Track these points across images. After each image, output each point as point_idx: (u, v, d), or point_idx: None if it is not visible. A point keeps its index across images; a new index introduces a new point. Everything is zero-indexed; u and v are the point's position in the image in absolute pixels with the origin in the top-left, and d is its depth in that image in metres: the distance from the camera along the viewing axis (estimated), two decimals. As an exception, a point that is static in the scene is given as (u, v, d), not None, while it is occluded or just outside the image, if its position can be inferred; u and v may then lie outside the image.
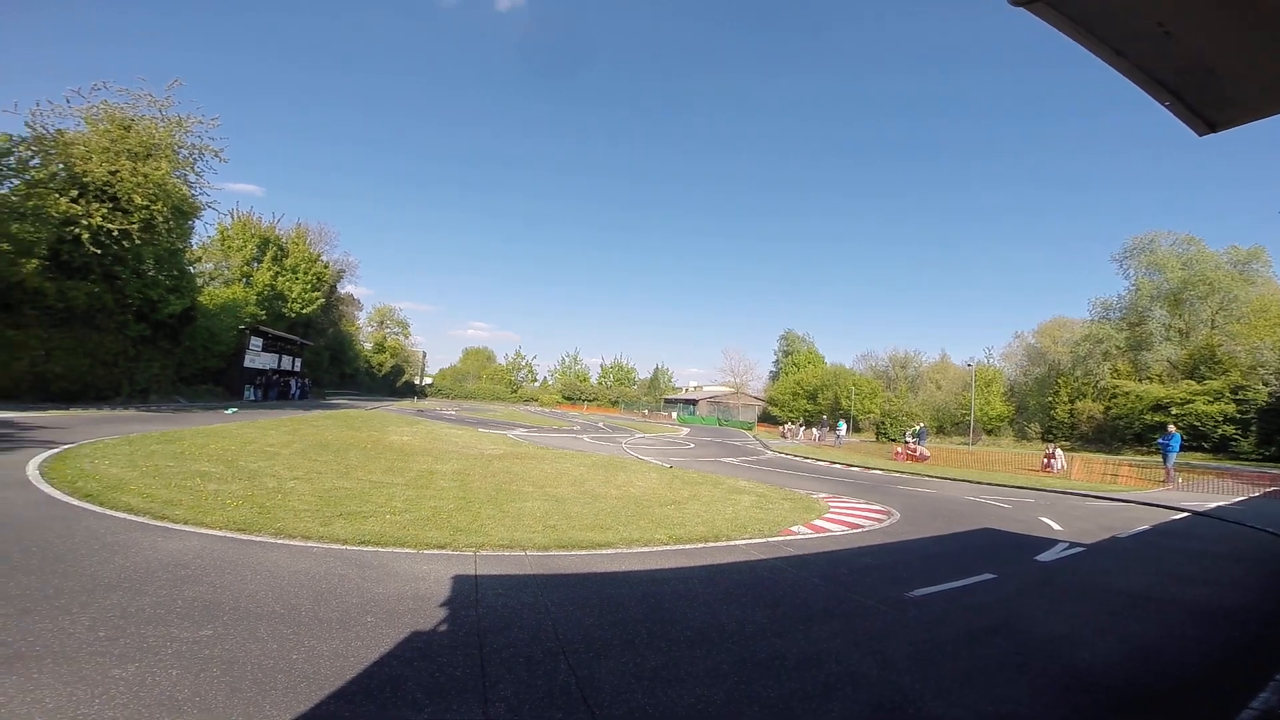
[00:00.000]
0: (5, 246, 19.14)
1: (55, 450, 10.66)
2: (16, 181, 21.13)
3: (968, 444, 43.92)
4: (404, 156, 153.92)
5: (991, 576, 7.22)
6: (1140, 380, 45.36)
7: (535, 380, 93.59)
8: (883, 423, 49.76)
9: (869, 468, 22.88)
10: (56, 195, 21.15)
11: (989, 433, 55.15)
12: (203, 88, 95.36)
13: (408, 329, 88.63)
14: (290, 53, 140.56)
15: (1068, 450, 31.46)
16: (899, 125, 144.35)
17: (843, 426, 41.05)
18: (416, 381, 79.16)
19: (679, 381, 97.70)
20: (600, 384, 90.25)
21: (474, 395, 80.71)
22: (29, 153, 21.30)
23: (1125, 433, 42.34)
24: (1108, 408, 45.36)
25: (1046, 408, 51.64)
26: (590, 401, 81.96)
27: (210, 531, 6.48)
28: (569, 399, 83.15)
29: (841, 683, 3.97)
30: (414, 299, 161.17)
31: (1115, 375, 47.13)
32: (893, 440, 41.06)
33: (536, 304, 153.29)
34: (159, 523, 6.61)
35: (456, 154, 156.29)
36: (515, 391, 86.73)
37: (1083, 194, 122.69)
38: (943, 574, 7.17)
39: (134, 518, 6.71)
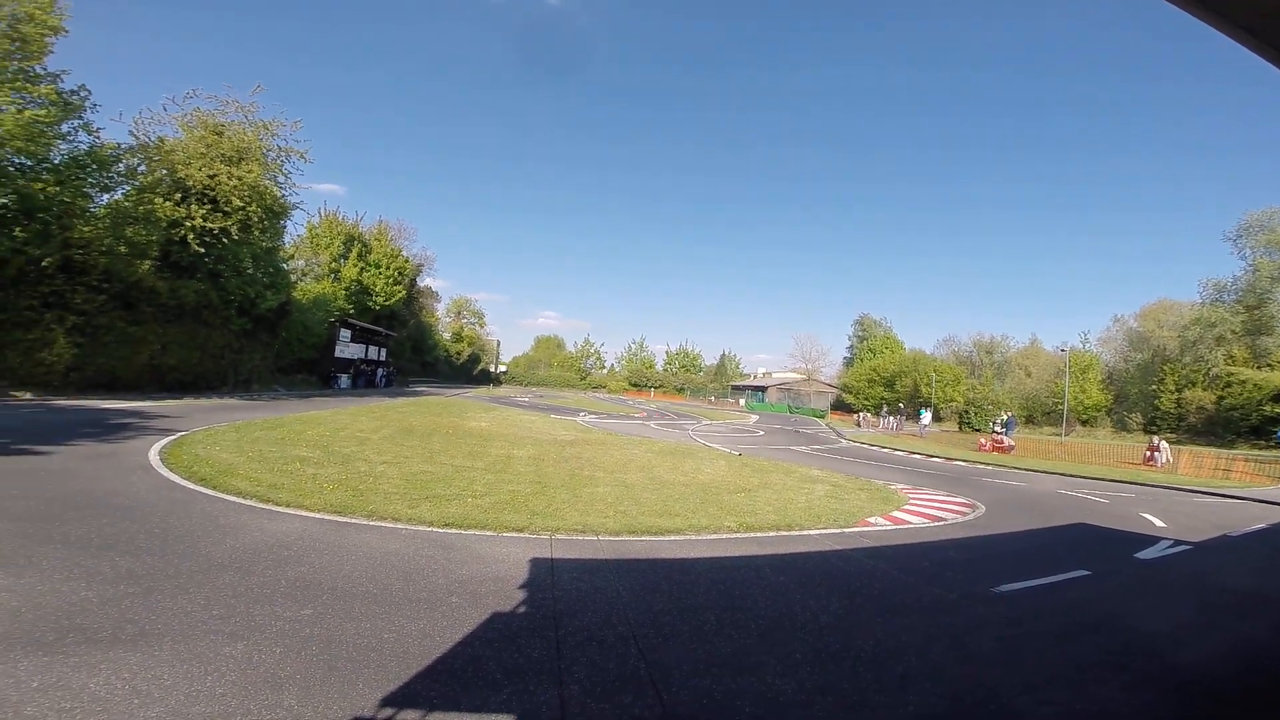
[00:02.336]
0: (123, 249, 21.00)
1: (172, 437, 11.64)
2: (127, 188, 23.06)
3: (1060, 435, 41.31)
4: (474, 154, 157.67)
5: (1086, 573, 6.90)
6: (1259, 367, 41.39)
7: (603, 367, 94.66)
8: (966, 412, 47.38)
9: (951, 459, 22.02)
10: (162, 199, 23.02)
11: (1084, 423, 51.91)
12: (280, 91, 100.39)
13: (483, 319, 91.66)
14: (361, 56, 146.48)
15: (1174, 443, 29.31)
16: (986, 105, 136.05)
17: (926, 415, 39.43)
18: (492, 369, 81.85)
19: (747, 368, 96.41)
20: (666, 370, 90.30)
21: (545, 382, 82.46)
22: (135, 160, 23.18)
23: (1240, 424, 38.86)
24: (1221, 397, 41.74)
25: (1150, 397, 48.13)
26: (656, 388, 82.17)
27: (310, 514, 6.94)
28: (635, 385, 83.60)
29: (919, 676, 3.87)
30: (487, 289, 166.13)
31: (1230, 362, 43.29)
32: (977, 430, 39.18)
33: (604, 292, 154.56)
34: (265, 505, 7.13)
35: (521, 149, 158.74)
36: (584, 378, 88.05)
37: (1187, 169, 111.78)
38: (1032, 569, 6.88)
39: (243, 501, 7.26)
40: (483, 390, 56.56)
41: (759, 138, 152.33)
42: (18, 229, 18.03)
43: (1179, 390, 45.55)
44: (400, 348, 55.90)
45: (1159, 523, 10.75)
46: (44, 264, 18.34)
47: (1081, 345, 60.61)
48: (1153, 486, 16.58)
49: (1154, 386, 47.91)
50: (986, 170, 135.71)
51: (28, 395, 17.74)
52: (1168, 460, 22.56)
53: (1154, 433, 37.08)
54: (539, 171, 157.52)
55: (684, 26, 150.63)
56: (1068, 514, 11.24)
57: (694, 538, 7.43)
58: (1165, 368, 47.51)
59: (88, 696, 2.89)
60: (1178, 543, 8.94)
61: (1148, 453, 23.68)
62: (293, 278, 36.02)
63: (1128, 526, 10.26)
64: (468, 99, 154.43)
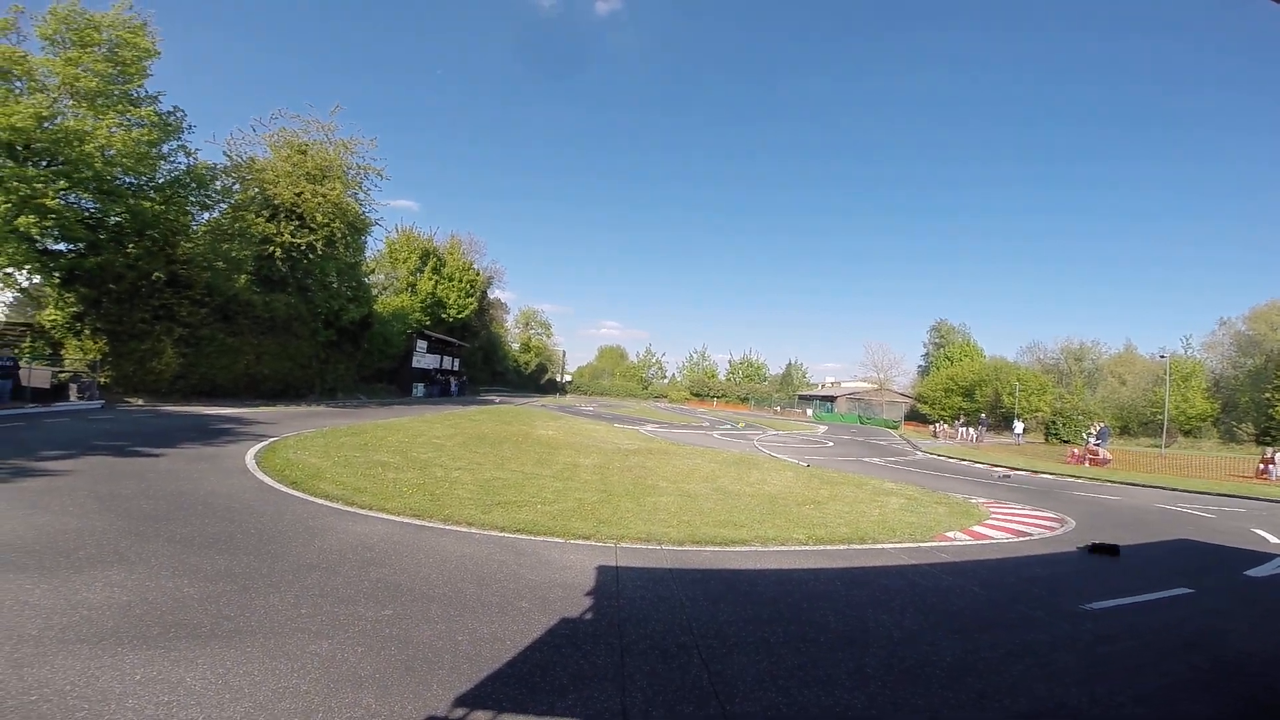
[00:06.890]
0: (221, 265, 22.58)
1: (266, 442, 12.39)
2: (224, 206, 24.73)
3: (1159, 446, 38.30)
4: (540, 168, 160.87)
5: (1187, 591, 6.43)
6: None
7: (664, 377, 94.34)
8: (1053, 422, 44.54)
9: (1037, 471, 20.77)
10: (254, 216, 24.60)
11: (1186, 434, 47.96)
12: (353, 109, 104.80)
13: (550, 330, 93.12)
14: (428, 73, 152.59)
15: (1291, 455, 26.58)
16: (1074, 112, 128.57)
17: (1019, 425, 37.62)
18: (558, 379, 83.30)
19: (814, 377, 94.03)
20: (728, 380, 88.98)
21: (608, 392, 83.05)
22: (230, 179, 24.84)
23: (1372, 435, 34.90)
24: (1347, 405, 37.66)
25: (1263, 405, 43.90)
26: (719, 398, 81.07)
27: (391, 517, 7.23)
28: (697, 395, 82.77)
29: (998, 693, 3.70)
30: (553, 300, 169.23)
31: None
32: (1065, 442, 36.79)
33: (665, 302, 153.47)
34: (349, 508, 7.47)
35: (583, 162, 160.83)
36: (646, 388, 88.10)
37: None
38: (1125, 586, 6.47)
39: (330, 504, 7.64)
40: (549, 399, 57.55)
41: (829, 149, 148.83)
42: (130, 245, 19.70)
43: (1297, 398, 41.51)
44: (472, 357, 57.73)
45: (1274, 539, 9.93)
46: (154, 278, 19.95)
47: (1183, 351, 56.26)
48: (1268, 501, 15.30)
49: (1268, 394, 43.66)
50: (1071, 173, 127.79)
51: (139, 401, 19.34)
52: (1286, 472, 20.67)
53: (1268, 444, 33.84)
54: (602, 184, 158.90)
55: (744, 40, 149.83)
56: (1169, 529, 10.49)
57: (760, 549, 7.30)
58: (1280, 374, 43.42)
59: (184, 690, 3.05)
60: (1293, 559, 8.20)
61: (1261, 465, 21.90)
62: (374, 291, 37.83)
63: (1237, 542, 9.50)
64: (534, 114, 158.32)
